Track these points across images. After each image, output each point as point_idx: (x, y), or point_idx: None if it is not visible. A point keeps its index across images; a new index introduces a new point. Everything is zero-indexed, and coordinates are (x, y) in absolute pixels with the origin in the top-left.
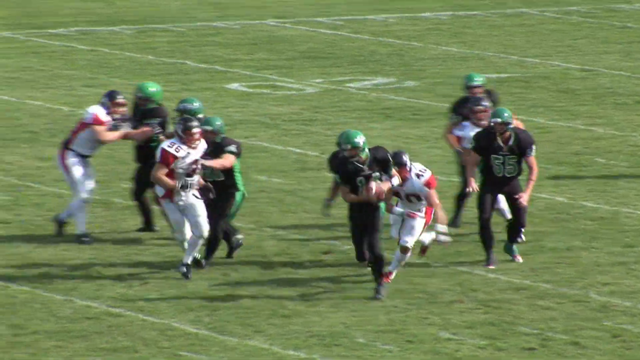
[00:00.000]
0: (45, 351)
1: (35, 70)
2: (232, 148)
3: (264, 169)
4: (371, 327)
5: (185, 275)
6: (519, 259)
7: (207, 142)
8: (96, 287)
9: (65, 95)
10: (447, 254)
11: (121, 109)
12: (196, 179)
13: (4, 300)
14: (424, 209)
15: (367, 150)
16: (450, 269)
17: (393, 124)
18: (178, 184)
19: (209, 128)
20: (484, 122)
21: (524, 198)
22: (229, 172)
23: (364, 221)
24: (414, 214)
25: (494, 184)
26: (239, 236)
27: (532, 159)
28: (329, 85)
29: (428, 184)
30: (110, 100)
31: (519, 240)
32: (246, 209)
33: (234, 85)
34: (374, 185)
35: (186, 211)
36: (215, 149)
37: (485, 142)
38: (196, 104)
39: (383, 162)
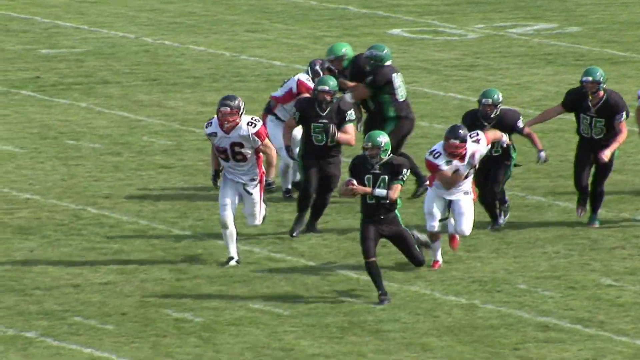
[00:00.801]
0: (207, 296)
1: (198, 15)
2: (352, 114)
3: (425, 114)
4: (533, 273)
5: (227, 263)
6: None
7: (320, 101)
8: (258, 232)
9: (227, 40)
10: (608, 201)
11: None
12: (234, 165)
13: (165, 245)
14: (470, 184)
15: (389, 152)
16: (612, 215)
17: (555, 69)
18: (213, 168)
19: (325, 88)
20: None
21: (604, 153)
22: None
23: (382, 226)
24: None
25: (584, 145)
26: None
27: (622, 124)
28: (491, 30)
29: (487, 142)
30: (320, 68)
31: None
32: (408, 154)
33: (396, 31)
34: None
35: (244, 200)
36: (333, 111)
37: (575, 100)
38: (385, 51)
39: (396, 169)
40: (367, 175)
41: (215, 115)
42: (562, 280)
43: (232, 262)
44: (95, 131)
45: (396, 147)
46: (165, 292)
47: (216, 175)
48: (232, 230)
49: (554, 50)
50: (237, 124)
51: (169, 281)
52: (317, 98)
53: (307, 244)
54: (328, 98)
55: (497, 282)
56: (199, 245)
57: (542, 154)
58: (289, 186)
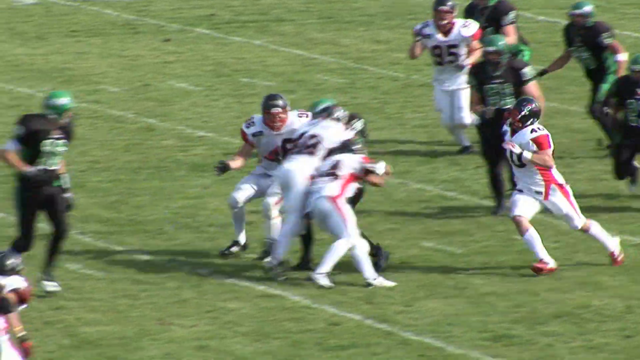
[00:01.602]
0: (379, 233)
1: None
2: (530, 72)
3: None
4: None
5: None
6: None
7: (489, 62)
8: (430, 170)
9: None
10: None
11: (448, 16)
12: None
13: None
14: (540, 184)
15: None
16: None
17: None
18: (229, 162)
19: (490, 49)
20: None
21: None
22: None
23: None
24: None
25: (628, 135)
26: None
27: None
28: None
29: (537, 142)
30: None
31: None
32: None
33: None
34: None
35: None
36: (507, 71)
37: (624, 89)
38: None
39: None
40: None
41: (260, 115)
42: None
43: (235, 248)
44: (269, 69)
45: (604, 103)
46: None
47: (225, 168)
48: (242, 211)
49: None
50: (287, 120)
51: None
52: (487, 59)
53: (480, 182)
54: (496, 58)
55: None
56: None
57: None
58: (467, 143)
